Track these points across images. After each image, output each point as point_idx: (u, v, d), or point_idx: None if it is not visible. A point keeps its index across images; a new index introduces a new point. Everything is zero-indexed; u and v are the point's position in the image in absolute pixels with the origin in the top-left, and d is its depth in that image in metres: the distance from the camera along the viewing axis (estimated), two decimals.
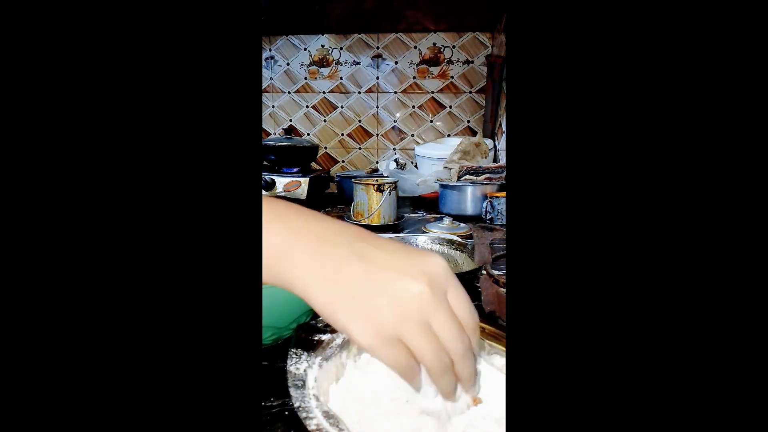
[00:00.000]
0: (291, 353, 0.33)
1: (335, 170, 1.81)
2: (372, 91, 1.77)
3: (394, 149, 1.80)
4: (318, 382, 0.31)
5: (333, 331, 0.36)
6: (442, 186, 1.17)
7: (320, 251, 0.27)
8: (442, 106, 1.74)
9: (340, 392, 0.33)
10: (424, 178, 1.32)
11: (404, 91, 1.75)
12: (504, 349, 0.35)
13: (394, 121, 1.77)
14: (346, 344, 0.36)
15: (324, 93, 1.80)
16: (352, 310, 0.26)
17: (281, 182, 1.27)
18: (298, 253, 0.26)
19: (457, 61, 1.70)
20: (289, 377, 0.30)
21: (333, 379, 0.34)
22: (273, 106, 1.84)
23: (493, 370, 0.35)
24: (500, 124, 1.51)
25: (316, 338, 0.35)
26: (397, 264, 0.27)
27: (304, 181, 1.26)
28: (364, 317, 0.25)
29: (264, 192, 1.25)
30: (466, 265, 0.61)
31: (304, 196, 1.26)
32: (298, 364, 0.32)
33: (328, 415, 0.27)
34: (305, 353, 0.33)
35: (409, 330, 0.26)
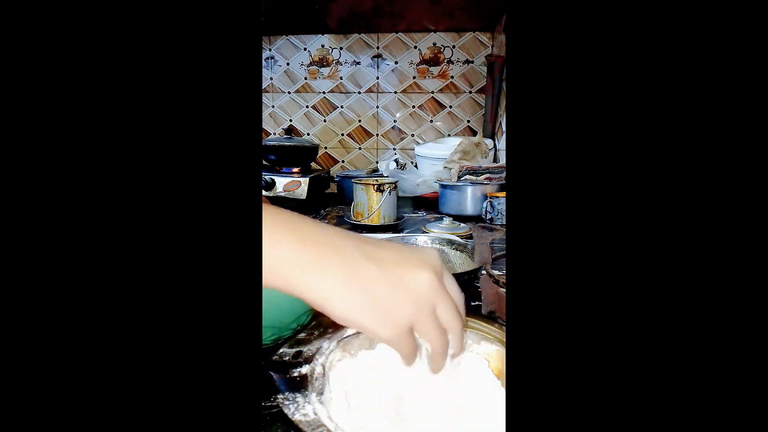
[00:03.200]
0: (282, 401, 0.30)
1: (335, 170, 1.81)
2: (372, 91, 1.77)
3: (394, 149, 1.80)
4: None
5: (307, 361, 0.34)
6: (442, 186, 1.17)
7: (332, 257, 0.27)
8: (442, 106, 1.74)
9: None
10: (424, 178, 1.32)
11: (404, 91, 1.75)
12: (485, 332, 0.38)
13: (394, 121, 1.77)
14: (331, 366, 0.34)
15: (324, 93, 1.80)
16: (373, 309, 0.27)
17: (281, 182, 1.27)
18: (309, 261, 0.27)
19: (457, 61, 1.70)
20: (304, 426, 0.28)
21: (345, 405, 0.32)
22: (273, 106, 1.84)
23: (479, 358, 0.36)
24: (500, 124, 1.51)
25: (296, 374, 0.33)
26: (403, 259, 0.29)
27: (304, 181, 1.26)
28: (385, 315, 0.27)
29: (264, 192, 1.25)
30: (467, 265, 0.61)
31: (304, 196, 1.25)
32: (302, 409, 0.30)
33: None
34: (298, 394, 0.31)
35: (422, 319, 0.28)
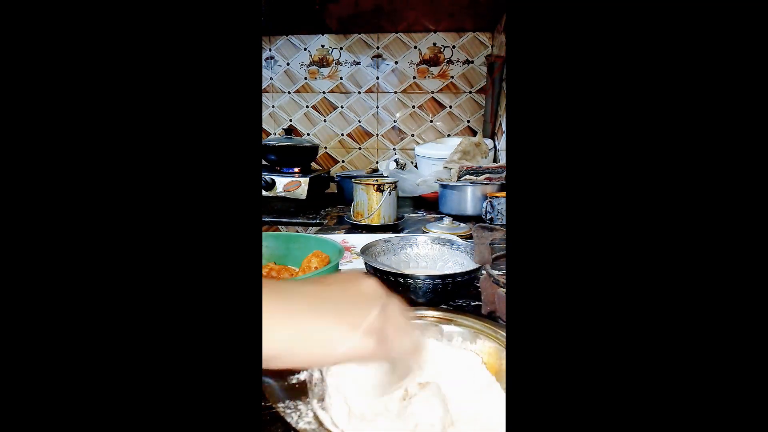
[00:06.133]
0: (283, 410, 0.30)
1: (335, 170, 1.81)
2: (372, 91, 1.77)
3: (394, 149, 1.80)
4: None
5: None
6: (442, 186, 1.17)
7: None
8: (442, 106, 1.74)
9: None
10: (424, 178, 1.32)
11: (404, 91, 1.75)
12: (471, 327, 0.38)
13: (394, 121, 1.77)
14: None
15: (324, 93, 1.80)
16: (345, 330, 0.26)
17: (281, 182, 1.27)
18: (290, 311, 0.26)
19: (457, 61, 1.70)
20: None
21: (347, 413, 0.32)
22: (273, 106, 1.84)
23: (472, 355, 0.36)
24: (500, 124, 1.51)
25: (294, 381, 0.33)
26: (346, 282, 0.29)
27: (304, 181, 1.26)
28: (358, 332, 0.26)
29: (264, 192, 1.25)
30: (467, 264, 0.61)
31: (304, 196, 1.25)
32: (305, 417, 0.29)
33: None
34: (299, 401, 0.31)
35: (386, 323, 0.27)
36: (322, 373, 0.33)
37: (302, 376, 0.33)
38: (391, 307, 0.29)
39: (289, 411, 0.29)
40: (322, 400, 0.31)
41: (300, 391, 0.31)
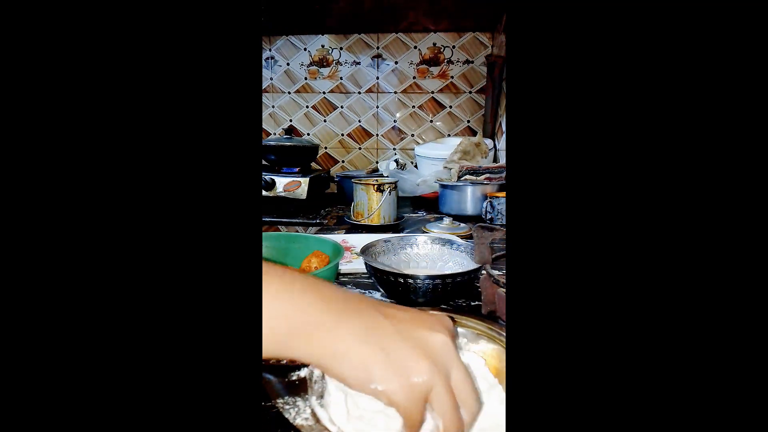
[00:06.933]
0: (282, 406, 0.30)
1: (335, 170, 1.81)
2: (372, 91, 1.77)
3: (394, 149, 1.80)
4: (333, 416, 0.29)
5: (305, 364, 0.33)
6: (442, 186, 1.17)
7: (349, 315, 0.27)
8: (442, 106, 1.74)
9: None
10: (424, 178, 1.32)
11: (404, 91, 1.75)
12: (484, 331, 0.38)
13: (394, 121, 1.77)
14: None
15: (324, 93, 1.80)
16: (388, 364, 0.25)
17: (281, 182, 1.27)
18: (331, 320, 0.26)
19: (457, 61, 1.70)
20: (306, 431, 0.28)
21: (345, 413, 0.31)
22: (273, 106, 1.84)
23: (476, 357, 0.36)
24: (500, 124, 1.51)
25: (294, 377, 0.33)
26: (420, 320, 0.29)
27: (304, 181, 1.26)
28: (400, 372, 0.25)
29: (264, 192, 1.25)
30: (467, 264, 0.61)
31: (304, 196, 1.25)
32: (303, 413, 0.29)
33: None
34: (298, 398, 0.31)
35: (438, 386, 0.26)
36: (322, 371, 0.33)
37: (302, 373, 0.33)
38: (456, 376, 0.27)
39: (287, 407, 0.29)
40: (321, 397, 0.31)
41: (300, 388, 0.31)
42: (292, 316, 0.26)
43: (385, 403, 0.26)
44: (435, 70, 1.72)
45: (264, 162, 1.38)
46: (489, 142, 1.45)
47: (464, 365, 0.28)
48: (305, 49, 1.78)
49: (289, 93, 1.83)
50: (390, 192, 1.00)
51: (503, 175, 1.14)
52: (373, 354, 0.26)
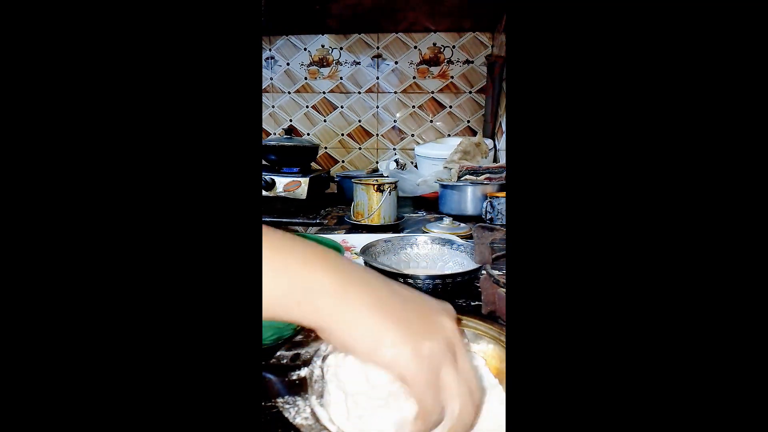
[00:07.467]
0: (282, 405, 0.30)
1: (335, 170, 1.81)
2: (372, 91, 1.77)
3: (394, 149, 1.80)
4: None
5: (305, 363, 0.34)
6: (442, 186, 1.17)
7: (358, 286, 0.27)
8: (442, 106, 1.74)
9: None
10: (424, 178, 1.32)
11: (404, 91, 1.75)
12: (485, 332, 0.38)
13: (394, 121, 1.77)
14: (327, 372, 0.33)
15: (324, 93, 1.80)
16: (398, 335, 0.25)
17: (281, 182, 1.27)
18: (339, 288, 0.26)
19: (457, 61, 1.70)
20: (305, 430, 0.28)
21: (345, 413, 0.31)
22: (273, 106, 1.84)
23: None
24: (500, 124, 1.51)
25: (294, 377, 0.32)
26: (427, 301, 0.29)
27: (304, 181, 1.26)
28: (411, 342, 0.25)
29: (264, 192, 1.25)
30: (467, 264, 0.61)
31: (304, 196, 1.25)
32: (303, 412, 0.29)
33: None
34: (298, 397, 0.30)
35: (448, 365, 0.25)
36: (322, 371, 0.33)
37: (303, 373, 0.33)
38: (461, 360, 0.26)
39: (287, 406, 0.29)
40: (321, 396, 0.31)
41: (300, 388, 0.31)
42: (296, 276, 0.26)
43: (394, 375, 0.25)
44: (435, 70, 1.72)
45: (264, 162, 1.38)
46: (489, 142, 1.45)
47: (469, 352, 0.28)
48: (305, 49, 1.78)
49: (289, 93, 1.83)
50: (390, 192, 1.00)
51: (503, 175, 1.14)
52: (383, 323, 0.25)
